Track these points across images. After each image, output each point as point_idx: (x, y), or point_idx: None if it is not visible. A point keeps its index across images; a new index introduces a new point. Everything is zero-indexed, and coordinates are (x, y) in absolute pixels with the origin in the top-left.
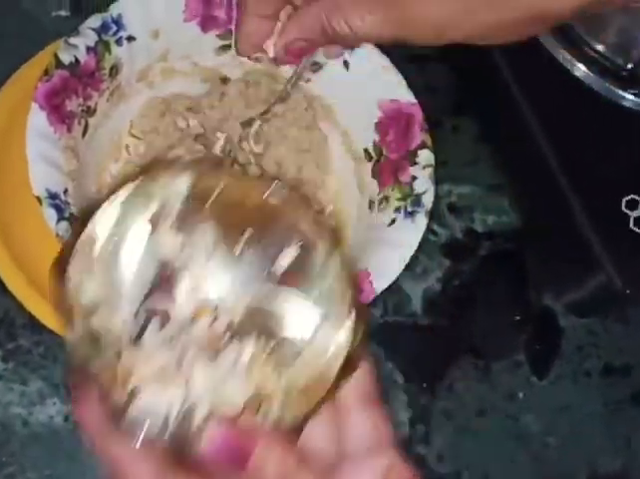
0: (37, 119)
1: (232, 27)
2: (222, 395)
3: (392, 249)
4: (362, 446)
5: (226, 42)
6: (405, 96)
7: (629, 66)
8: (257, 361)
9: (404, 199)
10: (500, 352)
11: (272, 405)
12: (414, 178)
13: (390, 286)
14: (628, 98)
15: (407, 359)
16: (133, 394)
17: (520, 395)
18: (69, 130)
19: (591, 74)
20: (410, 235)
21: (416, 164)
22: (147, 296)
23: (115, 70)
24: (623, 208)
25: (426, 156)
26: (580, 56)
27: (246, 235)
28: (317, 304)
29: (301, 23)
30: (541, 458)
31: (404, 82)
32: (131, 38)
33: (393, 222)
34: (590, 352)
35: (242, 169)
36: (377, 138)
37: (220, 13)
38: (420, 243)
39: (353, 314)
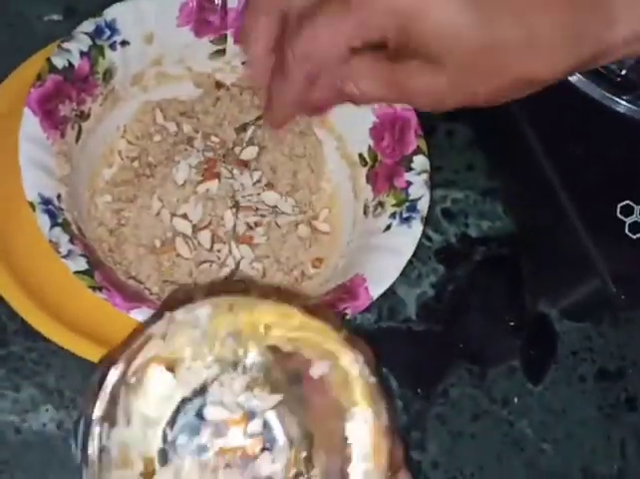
0: (30, 124)
1: (226, 32)
2: None
3: (387, 255)
4: None
5: (220, 47)
6: None
7: (623, 72)
8: None
9: (399, 204)
10: (495, 358)
11: None
12: (409, 183)
13: (384, 292)
14: (622, 103)
15: (401, 365)
16: None
17: (515, 400)
18: (62, 135)
19: (585, 79)
20: (405, 240)
21: (411, 169)
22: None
23: (109, 74)
24: (618, 213)
25: (421, 161)
26: None
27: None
28: None
29: (319, 88)
30: (536, 463)
31: None
32: (125, 42)
33: (388, 227)
34: (585, 357)
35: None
36: (372, 143)
37: (214, 18)
38: (414, 249)
39: None
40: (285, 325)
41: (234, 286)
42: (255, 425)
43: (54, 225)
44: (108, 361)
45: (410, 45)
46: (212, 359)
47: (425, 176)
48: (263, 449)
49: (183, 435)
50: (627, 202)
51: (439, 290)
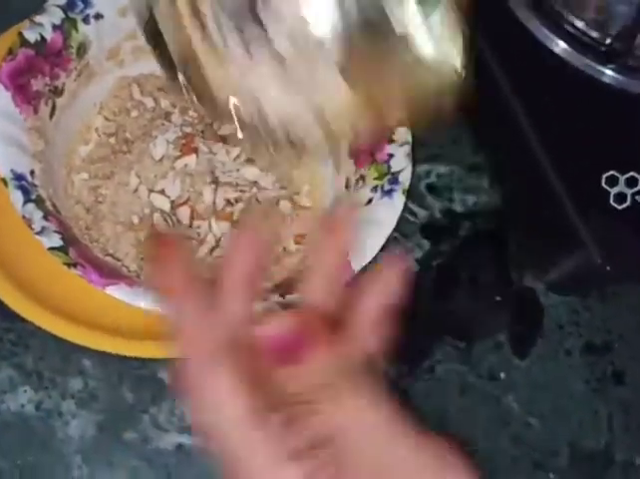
0: (1, 99)
1: None
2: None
3: (369, 228)
4: None
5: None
6: None
7: (608, 41)
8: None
9: (381, 177)
10: (481, 333)
11: None
12: (391, 156)
13: (369, 267)
14: (607, 73)
15: (386, 342)
16: None
17: (502, 375)
18: (35, 111)
19: (571, 50)
20: (388, 213)
21: (393, 141)
22: None
23: (82, 49)
24: (603, 184)
25: (403, 133)
26: (559, 32)
27: None
28: None
29: None
30: (523, 438)
31: None
32: (98, 16)
33: (370, 201)
34: (571, 331)
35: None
36: None
37: None
38: (399, 224)
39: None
40: None
41: None
42: None
43: (27, 201)
44: None
45: None
46: None
47: (407, 147)
48: None
49: None
50: (612, 172)
51: (424, 266)
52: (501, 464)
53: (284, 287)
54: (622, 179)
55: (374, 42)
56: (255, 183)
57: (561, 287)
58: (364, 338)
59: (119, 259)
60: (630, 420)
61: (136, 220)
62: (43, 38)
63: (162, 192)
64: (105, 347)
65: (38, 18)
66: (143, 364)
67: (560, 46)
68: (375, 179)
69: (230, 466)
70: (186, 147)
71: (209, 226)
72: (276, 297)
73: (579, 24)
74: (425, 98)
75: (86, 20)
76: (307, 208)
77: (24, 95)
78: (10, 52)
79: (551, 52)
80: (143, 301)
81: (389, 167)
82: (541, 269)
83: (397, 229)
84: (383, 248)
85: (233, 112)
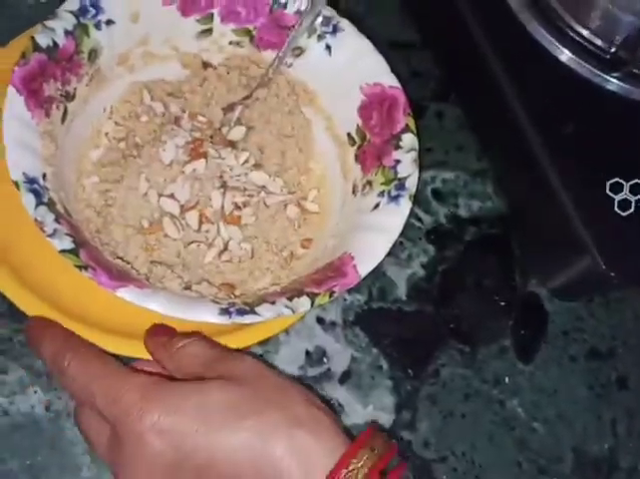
0: (14, 103)
1: (213, 11)
2: None
3: (376, 234)
4: None
5: (206, 27)
6: (387, 79)
7: (613, 50)
8: None
9: (387, 183)
10: (486, 338)
11: None
12: (397, 161)
13: (375, 272)
14: (612, 81)
15: (392, 345)
16: None
17: (506, 380)
18: (47, 115)
19: (576, 58)
20: (394, 218)
21: (399, 147)
22: None
23: (94, 54)
24: (607, 191)
25: (409, 139)
26: (565, 40)
27: None
28: None
29: None
30: (527, 443)
31: (386, 65)
32: (110, 22)
33: (377, 206)
34: (576, 337)
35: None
36: (360, 122)
37: None
38: (404, 229)
39: None
40: None
41: None
42: None
43: (39, 204)
44: None
45: None
46: None
47: (413, 154)
48: None
49: None
50: (616, 179)
51: (429, 271)
52: (506, 469)
53: (292, 291)
54: (627, 185)
55: None
56: (263, 187)
57: (565, 293)
58: None
59: (128, 262)
60: (634, 425)
61: (145, 223)
62: (55, 43)
63: (172, 196)
64: (120, 351)
65: (50, 23)
66: None
67: (565, 54)
68: (382, 184)
69: None
70: (195, 151)
71: (218, 229)
72: (284, 300)
73: (584, 32)
74: None
75: (98, 26)
76: (315, 213)
77: (36, 99)
78: (23, 56)
79: (556, 60)
80: (153, 304)
81: (396, 172)
82: (546, 275)
83: (402, 234)
84: (389, 254)
85: None
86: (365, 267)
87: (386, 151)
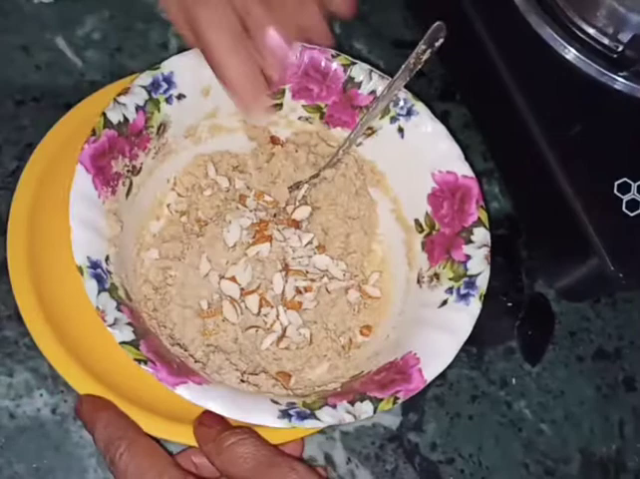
0: (82, 182)
1: (284, 87)
2: None
3: (443, 334)
4: None
5: (277, 101)
6: (461, 168)
7: (620, 49)
8: None
9: (457, 279)
10: (493, 339)
11: None
12: (468, 257)
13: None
14: (619, 80)
15: None
16: None
17: (513, 381)
18: (113, 192)
19: (582, 57)
20: (462, 319)
21: (471, 242)
22: None
23: (163, 128)
24: (615, 191)
25: (482, 234)
26: (571, 39)
27: None
28: None
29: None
30: (535, 444)
31: (460, 153)
32: (181, 96)
33: (444, 303)
34: (583, 337)
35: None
36: (429, 210)
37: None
38: (471, 329)
39: None
40: None
41: None
42: None
43: (101, 290)
44: None
45: None
46: None
47: (485, 250)
48: None
49: None
50: (624, 179)
51: None
52: (513, 471)
53: (353, 393)
54: (634, 185)
55: None
56: (326, 271)
57: (572, 294)
58: None
59: (185, 348)
60: None
61: (204, 304)
62: (126, 119)
63: (233, 278)
64: (170, 436)
65: (122, 98)
66: None
67: (572, 53)
68: (450, 279)
69: None
70: (260, 234)
71: (277, 314)
72: (346, 405)
73: (591, 31)
74: None
75: (169, 100)
76: (375, 298)
77: (104, 176)
78: (93, 133)
79: (563, 58)
80: (212, 403)
81: (466, 269)
82: (553, 276)
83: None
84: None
85: None
86: (431, 371)
87: (456, 243)
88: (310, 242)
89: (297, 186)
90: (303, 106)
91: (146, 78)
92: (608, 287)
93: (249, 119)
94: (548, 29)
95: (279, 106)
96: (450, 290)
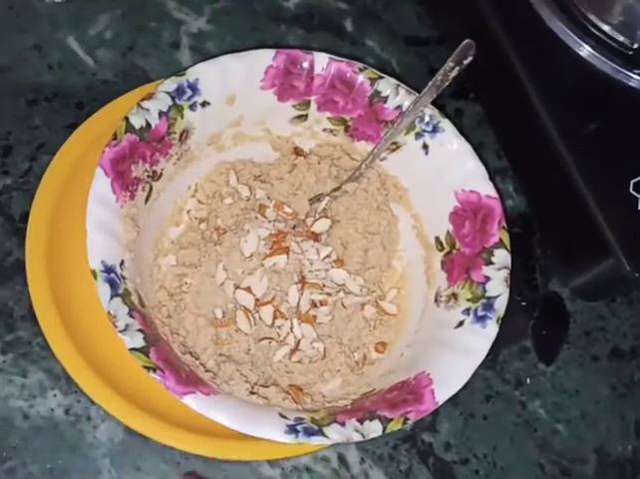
0: (100, 185)
1: (310, 98)
2: None
3: (458, 356)
4: None
5: (302, 112)
6: (485, 188)
7: (635, 46)
8: None
9: (475, 300)
10: (507, 338)
11: None
12: (487, 278)
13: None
14: (634, 77)
15: None
16: None
17: (528, 381)
18: (132, 197)
19: (597, 54)
20: (479, 341)
21: (491, 263)
22: None
23: (185, 134)
24: (631, 190)
25: (503, 256)
26: (586, 36)
27: None
28: None
29: None
30: (550, 444)
31: (485, 172)
32: (205, 103)
33: (461, 324)
34: (598, 337)
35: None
36: (451, 228)
37: (299, 83)
38: (487, 352)
39: None
40: None
41: None
42: None
43: (114, 295)
44: None
45: None
46: None
47: (505, 272)
48: None
49: None
50: None
51: None
52: (528, 471)
53: (363, 411)
54: None
55: None
56: (342, 286)
57: (587, 293)
58: None
59: (197, 357)
60: None
61: (219, 313)
62: (148, 124)
63: (249, 289)
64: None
65: (146, 104)
66: None
67: (586, 50)
68: (468, 300)
69: None
70: (278, 245)
71: (291, 326)
72: (354, 423)
73: (605, 28)
74: None
75: (193, 107)
76: (392, 315)
77: (123, 181)
78: (115, 137)
79: (577, 55)
80: (219, 415)
81: (484, 290)
82: (567, 275)
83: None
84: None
85: None
86: (443, 394)
87: (476, 264)
88: (328, 256)
89: (318, 198)
90: (328, 118)
91: (170, 84)
92: (624, 287)
93: None
94: (562, 26)
95: (304, 117)
96: (467, 311)
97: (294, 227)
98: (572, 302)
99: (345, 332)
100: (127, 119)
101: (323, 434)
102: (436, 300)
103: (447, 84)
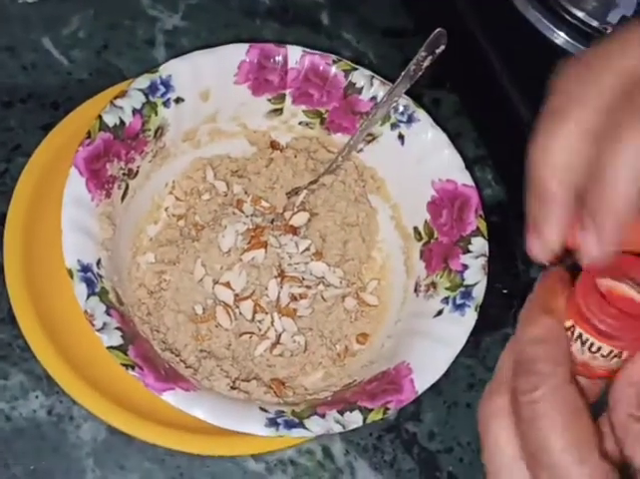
0: (75, 185)
1: (285, 92)
2: None
3: (437, 344)
4: None
5: (277, 106)
6: (461, 177)
7: (609, 30)
8: None
9: (453, 289)
10: (489, 326)
11: None
12: (465, 266)
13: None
14: None
15: None
16: None
17: None
18: (107, 196)
19: (572, 40)
20: (457, 330)
21: (468, 251)
22: None
23: (160, 131)
24: None
25: (480, 244)
26: (560, 23)
27: None
28: None
29: None
30: None
31: (461, 162)
32: (179, 100)
33: (439, 313)
34: None
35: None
36: (428, 218)
37: (273, 77)
38: (465, 341)
39: None
40: None
41: None
42: None
43: (91, 294)
44: None
45: None
46: None
47: (483, 260)
48: None
49: None
50: None
51: None
52: None
53: (343, 402)
54: None
55: None
56: (322, 278)
57: None
58: None
59: (177, 354)
60: None
61: (199, 309)
62: (122, 122)
63: (227, 284)
64: (155, 440)
65: (119, 101)
66: None
67: (561, 37)
68: (446, 289)
69: None
70: (256, 240)
71: (272, 320)
72: (335, 414)
73: (580, 14)
74: None
75: (166, 104)
76: (373, 306)
77: (98, 180)
78: (88, 136)
79: (552, 43)
80: (198, 410)
81: (462, 278)
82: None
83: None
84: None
85: None
86: (423, 383)
87: (453, 253)
88: (307, 249)
89: (295, 191)
90: (304, 111)
91: (143, 81)
92: None
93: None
94: (537, 14)
95: (280, 111)
96: (446, 300)
97: (272, 221)
98: None
99: (326, 325)
100: (100, 117)
101: (303, 426)
102: (415, 290)
103: (420, 73)
